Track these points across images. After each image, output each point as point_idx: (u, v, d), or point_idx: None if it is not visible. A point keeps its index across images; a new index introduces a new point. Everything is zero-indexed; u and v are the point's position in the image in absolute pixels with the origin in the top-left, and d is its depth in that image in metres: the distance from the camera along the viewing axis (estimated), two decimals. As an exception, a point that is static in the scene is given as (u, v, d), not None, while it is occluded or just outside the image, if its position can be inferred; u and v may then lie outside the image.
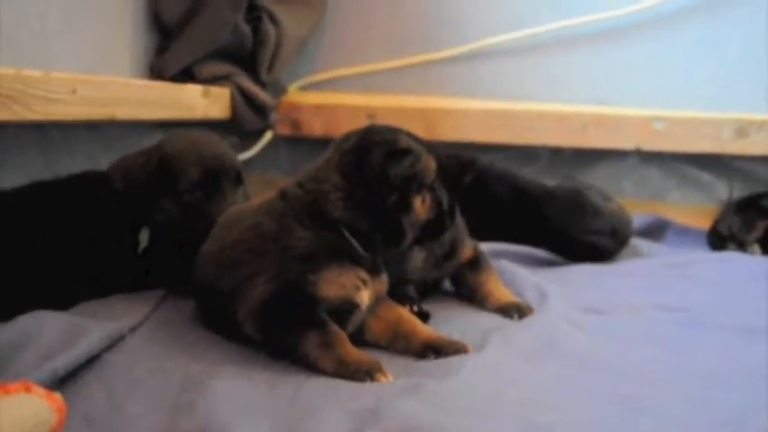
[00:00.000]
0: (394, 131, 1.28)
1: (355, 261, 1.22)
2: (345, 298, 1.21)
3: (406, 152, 1.23)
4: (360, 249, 1.22)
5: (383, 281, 1.28)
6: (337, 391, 1.04)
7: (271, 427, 0.93)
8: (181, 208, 1.47)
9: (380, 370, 1.11)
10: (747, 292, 1.66)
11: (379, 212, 1.22)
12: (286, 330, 1.16)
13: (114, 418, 0.96)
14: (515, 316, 1.43)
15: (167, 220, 1.48)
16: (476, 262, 1.58)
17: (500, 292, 1.53)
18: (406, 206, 1.24)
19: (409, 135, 1.29)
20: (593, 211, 2.03)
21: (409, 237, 1.26)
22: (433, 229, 1.30)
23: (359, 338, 1.25)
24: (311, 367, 1.14)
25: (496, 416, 0.97)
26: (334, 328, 1.16)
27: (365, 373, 1.10)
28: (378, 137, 1.25)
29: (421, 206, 1.26)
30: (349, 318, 1.23)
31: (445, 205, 1.30)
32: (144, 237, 1.50)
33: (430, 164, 1.28)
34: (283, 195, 1.28)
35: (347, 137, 1.28)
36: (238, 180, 1.52)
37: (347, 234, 1.22)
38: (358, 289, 1.22)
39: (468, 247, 1.58)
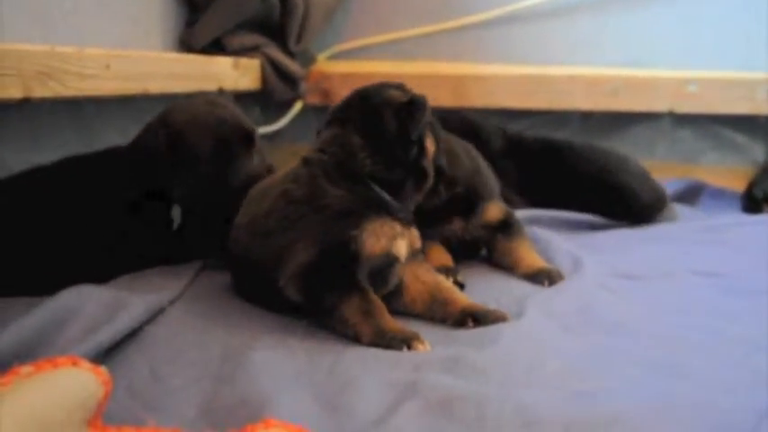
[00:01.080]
0: (386, 87, 1.35)
1: (389, 213, 1.25)
2: (386, 250, 1.23)
3: (413, 104, 1.30)
4: (391, 200, 1.27)
5: (415, 234, 1.31)
6: (376, 361, 1.04)
7: (311, 397, 0.94)
8: (196, 180, 1.45)
9: (418, 338, 1.11)
10: (784, 256, 1.64)
11: (404, 162, 1.29)
12: (329, 292, 1.18)
13: (157, 389, 0.98)
14: (546, 282, 1.43)
15: (186, 192, 1.46)
16: (507, 227, 1.58)
17: (531, 258, 1.53)
18: (422, 150, 1.31)
19: (396, 86, 1.36)
20: (625, 157, 2.05)
21: (431, 176, 1.33)
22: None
23: (396, 304, 1.27)
24: (349, 333, 1.15)
25: (538, 386, 0.98)
26: (375, 297, 1.18)
27: (401, 341, 1.11)
28: (379, 98, 1.32)
29: (430, 144, 1.34)
30: (389, 274, 1.26)
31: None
32: (176, 213, 1.49)
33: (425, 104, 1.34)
34: (307, 162, 1.30)
35: (344, 105, 1.34)
36: (250, 142, 1.48)
37: (377, 188, 1.26)
38: (395, 240, 1.25)
39: (494, 208, 1.59)
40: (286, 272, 1.22)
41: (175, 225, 1.50)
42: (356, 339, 1.14)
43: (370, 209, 1.24)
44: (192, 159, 1.44)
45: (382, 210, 1.25)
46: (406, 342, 1.11)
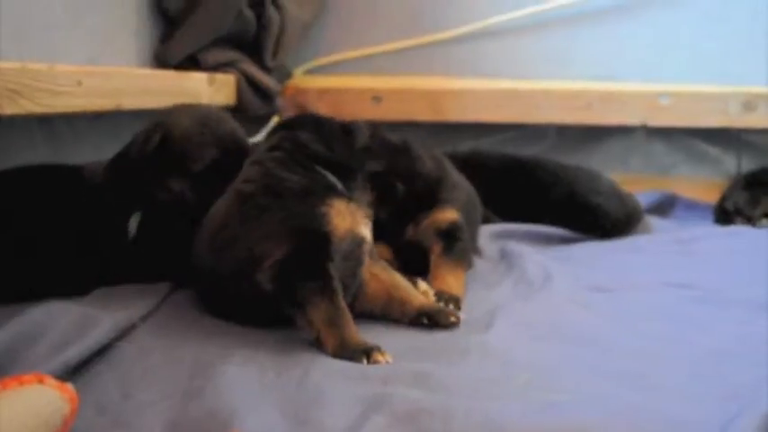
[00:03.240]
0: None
1: (345, 196, 1.27)
2: (353, 230, 1.25)
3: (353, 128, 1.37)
4: (340, 186, 1.28)
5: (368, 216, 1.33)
6: (345, 375, 1.05)
7: (279, 411, 0.94)
8: (194, 189, 1.41)
9: (379, 350, 1.11)
10: (754, 267, 1.66)
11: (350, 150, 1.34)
12: (301, 286, 1.17)
13: (126, 406, 0.97)
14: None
15: (175, 201, 1.42)
16: (450, 236, 1.55)
17: (448, 281, 1.46)
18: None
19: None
20: (598, 175, 2.07)
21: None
22: None
23: (358, 306, 1.28)
24: (313, 338, 1.16)
25: (506, 398, 0.98)
26: (342, 304, 1.17)
27: (362, 353, 1.11)
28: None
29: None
30: (358, 263, 1.26)
31: None
32: (133, 224, 1.43)
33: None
34: (254, 162, 1.32)
35: (284, 123, 1.42)
36: (246, 156, 1.44)
37: (330, 174, 1.28)
38: (358, 220, 1.27)
39: (449, 211, 1.58)
40: (262, 265, 1.20)
41: (130, 236, 1.44)
42: (319, 346, 1.15)
43: (328, 189, 1.26)
44: (195, 168, 1.42)
45: (339, 192, 1.27)
46: (367, 354, 1.10)
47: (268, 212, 1.23)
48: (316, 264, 1.19)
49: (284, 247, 1.20)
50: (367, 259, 1.29)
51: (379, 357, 1.10)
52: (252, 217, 1.24)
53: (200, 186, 1.41)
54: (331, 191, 1.26)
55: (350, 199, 1.28)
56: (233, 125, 1.48)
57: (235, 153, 1.42)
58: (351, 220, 1.25)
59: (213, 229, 1.31)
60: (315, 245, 1.20)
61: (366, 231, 1.28)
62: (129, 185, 1.43)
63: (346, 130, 1.36)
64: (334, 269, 1.20)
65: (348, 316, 1.17)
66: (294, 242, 1.20)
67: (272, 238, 1.21)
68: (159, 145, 1.41)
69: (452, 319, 1.25)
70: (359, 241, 1.26)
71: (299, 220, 1.21)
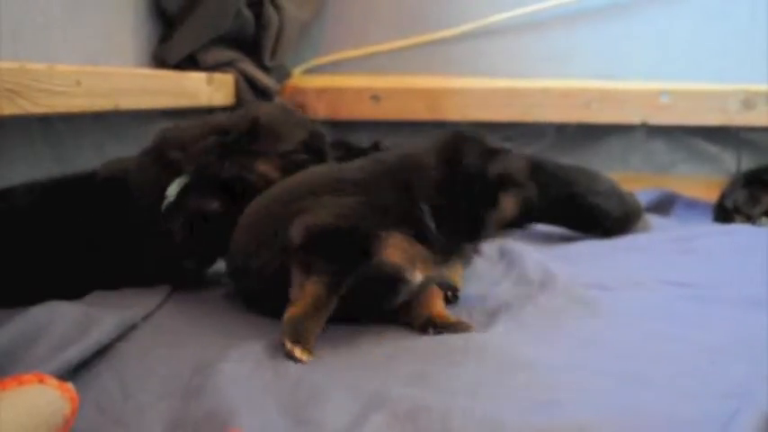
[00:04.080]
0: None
1: (421, 237, 1.20)
2: (399, 267, 1.19)
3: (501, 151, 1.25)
4: (433, 228, 1.21)
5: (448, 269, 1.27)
6: (344, 373, 1.05)
7: (277, 409, 0.94)
8: (283, 169, 1.42)
9: (304, 349, 1.11)
10: (753, 265, 1.66)
11: (466, 202, 1.22)
12: (318, 259, 1.16)
13: (126, 405, 0.97)
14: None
15: (262, 184, 1.41)
16: None
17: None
18: (493, 202, 1.24)
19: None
20: (597, 174, 2.07)
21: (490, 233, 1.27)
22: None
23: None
24: (291, 299, 1.17)
25: (505, 397, 0.98)
26: (331, 305, 1.16)
27: (292, 340, 1.11)
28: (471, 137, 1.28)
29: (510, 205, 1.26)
30: (392, 294, 1.23)
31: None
32: (173, 189, 1.39)
33: (522, 163, 1.28)
34: (403, 156, 1.28)
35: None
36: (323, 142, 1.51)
37: (426, 209, 1.21)
38: (414, 264, 1.21)
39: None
40: (302, 222, 1.20)
41: (167, 202, 1.40)
42: (287, 307, 1.16)
43: (404, 223, 1.20)
44: (278, 146, 1.44)
45: (414, 228, 1.21)
46: (294, 343, 1.11)
47: (348, 196, 1.22)
48: (345, 257, 1.17)
49: (335, 222, 1.18)
50: (403, 297, 1.25)
51: (297, 353, 1.10)
52: (333, 189, 1.24)
53: (289, 166, 1.43)
54: (406, 225, 1.20)
55: (424, 241, 1.21)
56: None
57: (317, 136, 1.48)
58: (402, 257, 1.20)
59: (260, 207, 1.32)
60: (355, 248, 1.18)
61: (416, 277, 1.22)
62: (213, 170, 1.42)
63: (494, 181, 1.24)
64: (351, 279, 1.18)
65: (321, 319, 1.16)
66: (345, 224, 1.18)
67: (331, 211, 1.20)
68: (250, 128, 1.43)
69: (465, 331, 1.23)
70: (402, 279, 1.21)
71: (362, 221, 1.19)
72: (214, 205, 1.41)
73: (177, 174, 1.40)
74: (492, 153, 1.24)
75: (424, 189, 1.21)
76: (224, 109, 2.26)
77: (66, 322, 1.12)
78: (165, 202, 1.39)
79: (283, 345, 1.11)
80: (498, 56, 2.61)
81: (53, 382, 0.84)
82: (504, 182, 1.24)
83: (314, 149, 1.46)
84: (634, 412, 0.93)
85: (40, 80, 1.45)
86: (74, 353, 1.03)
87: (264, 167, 1.43)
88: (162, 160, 1.42)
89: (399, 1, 2.65)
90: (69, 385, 0.85)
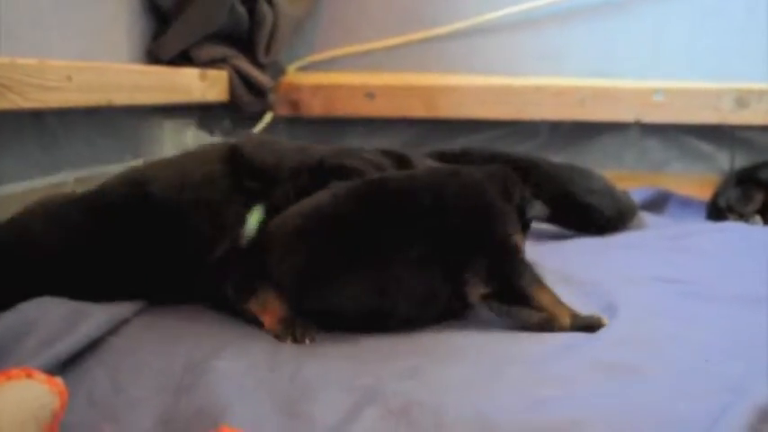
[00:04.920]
0: None
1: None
2: None
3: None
4: None
5: None
6: (338, 370, 1.05)
7: (270, 405, 0.94)
8: None
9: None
10: (746, 262, 1.66)
11: None
12: None
13: (117, 400, 0.97)
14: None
15: None
16: None
17: None
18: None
19: None
20: (590, 173, 2.07)
21: None
22: None
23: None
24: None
25: (497, 393, 0.98)
26: None
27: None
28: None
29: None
30: None
31: None
32: (253, 224, 1.26)
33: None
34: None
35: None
36: None
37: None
38: None
39: None
40: None
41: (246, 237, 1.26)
42: None
43: None
44: None
45: None
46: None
47: None
48: None
49: None
50: None
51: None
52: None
53: None
54: None
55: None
56: None
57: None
58: None
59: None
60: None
61: None
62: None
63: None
64: None
65: None
66: None
67: None
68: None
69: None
70: None
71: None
72: None
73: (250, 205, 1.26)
74: (527, 199, 1.37)
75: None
76: (219, 105, 2.26)
77: (56, 316, 1.11)
78: (246, 236, 1.24)
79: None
80: (493, 54, 2.60)
81: (41, 376, 0.83)
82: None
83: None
84: (627, 409, 0.92)
85: (31, 75, 1.45)
86: (63, 347, 1.02)
87: None
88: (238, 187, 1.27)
89: (393, -2, 2.65)
90: (58, 380, 0.84)
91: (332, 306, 1.19)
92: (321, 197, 1.24)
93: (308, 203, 1.23)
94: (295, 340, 1.15)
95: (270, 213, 1.25)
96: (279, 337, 1.17)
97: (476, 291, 1.22)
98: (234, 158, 1.29)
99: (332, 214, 1.21)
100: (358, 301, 1.18)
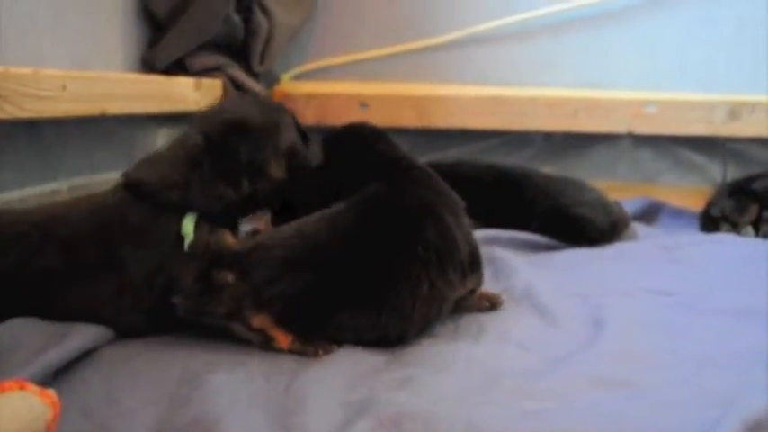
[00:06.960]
0: None
1: None
2: None
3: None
4: None
5: None
6: (332, 381, 1.05)
7: (263, 417, 0.94)
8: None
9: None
10: (739, 274, 1.67)
11: None
12: None
13: (111, 410, 0.97)
14: None
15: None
16: None
17: None
18: None
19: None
20: (582, 185, 2.08)
21: None
22: None
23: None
24: None
25: (489, 404, 0.98)
26: None
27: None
28: None
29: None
30: None
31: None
32: (189, 227, 1.23)
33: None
34: None
35: None
36: None
37: None
38: None
39: None
40: None
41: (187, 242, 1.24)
42: None
43: None
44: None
45: None
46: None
47: None
48: None
49: None
50: None
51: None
52: None
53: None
54: None
55: None
56: None
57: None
58: None
59: None
60: None
61: None
62: None
63: None
64: None
65: None
66: None
67: None
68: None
69: None
70: None
71: None
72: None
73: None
74: None
75: None
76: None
77: (48, 328, 1.11)
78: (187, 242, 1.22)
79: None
80: (486, 64, 2.61)
81: (34, 388, 0.83)
82: None
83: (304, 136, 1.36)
84: (618, 421, 0.93)
85: (26, 84, 1.45)
86: (54, 357, 1.03)
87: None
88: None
89: (389, 8, 2.66)
90: (51, 391, 0.84)
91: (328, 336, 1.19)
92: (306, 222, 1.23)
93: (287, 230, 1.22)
94: (317, 354, 1.14)
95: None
96: (303, 353, 1.15)
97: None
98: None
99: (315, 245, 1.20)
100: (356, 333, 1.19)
